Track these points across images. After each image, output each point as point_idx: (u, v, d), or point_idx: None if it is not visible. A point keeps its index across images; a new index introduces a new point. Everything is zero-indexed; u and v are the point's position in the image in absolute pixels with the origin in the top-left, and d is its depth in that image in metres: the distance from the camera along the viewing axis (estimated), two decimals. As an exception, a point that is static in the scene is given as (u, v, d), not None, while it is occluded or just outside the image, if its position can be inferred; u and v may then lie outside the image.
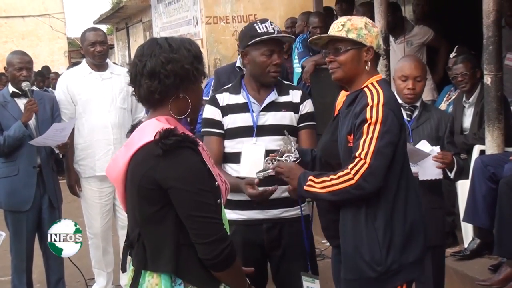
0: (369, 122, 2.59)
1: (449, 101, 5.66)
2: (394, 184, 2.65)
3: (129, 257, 2.41)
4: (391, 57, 5.89)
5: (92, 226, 5.12)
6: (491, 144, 4.56)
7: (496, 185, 4.27)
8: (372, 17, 6.02)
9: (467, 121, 5.14)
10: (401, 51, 6.31)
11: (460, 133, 5.13)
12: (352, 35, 2.71)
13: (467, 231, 4.76)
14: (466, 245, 4.71)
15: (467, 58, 5.16)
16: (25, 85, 4.65)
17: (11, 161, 4.68)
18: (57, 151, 4.72)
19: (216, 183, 2.30)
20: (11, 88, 4.77)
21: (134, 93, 2.36)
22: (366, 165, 2.54)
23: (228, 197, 3.03)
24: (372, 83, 2.73)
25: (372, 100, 2.63)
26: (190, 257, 2.23)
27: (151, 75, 2.26)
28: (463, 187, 4.79)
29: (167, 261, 2.23)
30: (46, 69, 13.08)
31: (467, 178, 4.63)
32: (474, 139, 4.91)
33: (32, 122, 4.67)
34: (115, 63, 6.34)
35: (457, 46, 5.70)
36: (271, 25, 3.23)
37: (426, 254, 2.84)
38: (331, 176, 2.62)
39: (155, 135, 2.18)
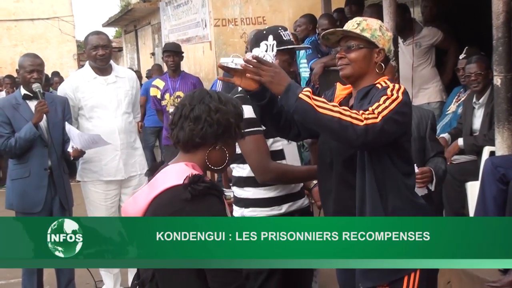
0: (388, 96, 2.61)
1: (459, 102, 5.65)
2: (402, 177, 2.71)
3: None
4: (400, 59, 5.88)
5: None
6: (501, 145, 4.55)
7: (506, 186, 4.26)
8: (380, 19, 6.02)
9: (477, 122, 5.12)
10: (409, 53, 6.30)
11: (470, 134, 5.12)
12: (366, 34, 2.74)
13: (477, 232, 4.74)
14: (476, 247, 4.69)
15: (480, 58, 5.15)
16: (35, 86, 4.68)
17: (23, 163, 4.72)
18: (70, 151, 4.72)
19: None
20: (23, 91, 4.80)
21: (169, 135, 2.41)
22: (377, 120, 2.52)
23: (265, 196, 3.20)
24: (383, 80, 2.76)
25: (394, 86, 2.67)
26: None
27: (196, 119, 2.30)
28: (472, 189, 4.77)
29: None
30: (55, 74, 13.13)
31: (477, 179, 4.62)
32: (484, 141, 4.89)
33: (43, 124, 4.70)
34: None
35: (467, 47, 5.68)
36: (289, 35, 3.26)
37: None
38: (334, 103, 2.57)
39: (185, 179, 2.20)
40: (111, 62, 5.17)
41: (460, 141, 5.04)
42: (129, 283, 5.18)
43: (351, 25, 2.78)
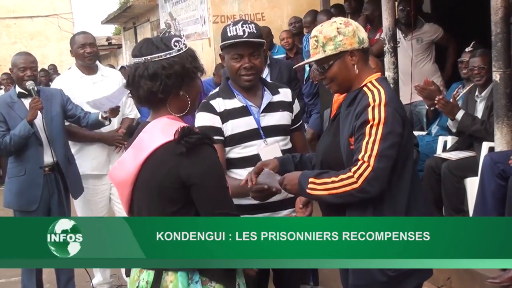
0: (371, 123, 2.52)
1: (458, 97, 5.63)
2: (398, 183, 2.59)
3: None
4: (400, 54, 5.87)
5: None
6: (500, 141, 4.54)
7: (505, 182, 4.25)
8: (379, 14, 6.01)
9: (478, 116, 5.10)
10: (410, 48, 6.29)
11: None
12: (329, 48, 2.64)
13: (477, 228, 4.73)
14: (475, 243, 4.68)
15: (484, 52, 5.11)
16: (29, 84, 4.69)
17: (19, 161, 4.71)
18: (106, 115, 4.84)
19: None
20: (17, 89, 4.80)
21: (130, 95, 2.39)
22: (370, 168, 2.47)
23: (241, 203, 3.01)
24: (371, 82, 2.66)
25: (374, 100, 2.56)
26: None
27: (152, 77, 2.29)
28: (472, 184, 4.77)
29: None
30: (53, 67, 13.12)
31: (476, 175, 4.61)
32: (481, 129, 4.86)
33: (38, 120, 4.68)
34: (111, 65, 6.41)
35: (474, 42, 5.65)
36: (243, 27, 3.13)
37: None
38: (333, 178, 2.55)
39: (175, 134, 2.20)
40: (97, 62, 5.28)
41: (460, 114, 5.00)
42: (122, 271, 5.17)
43: (312, 45, 2.69)
